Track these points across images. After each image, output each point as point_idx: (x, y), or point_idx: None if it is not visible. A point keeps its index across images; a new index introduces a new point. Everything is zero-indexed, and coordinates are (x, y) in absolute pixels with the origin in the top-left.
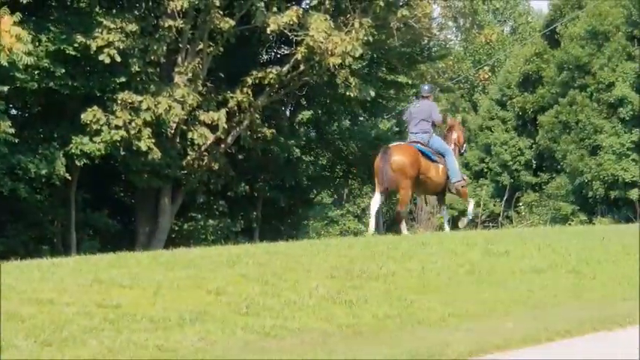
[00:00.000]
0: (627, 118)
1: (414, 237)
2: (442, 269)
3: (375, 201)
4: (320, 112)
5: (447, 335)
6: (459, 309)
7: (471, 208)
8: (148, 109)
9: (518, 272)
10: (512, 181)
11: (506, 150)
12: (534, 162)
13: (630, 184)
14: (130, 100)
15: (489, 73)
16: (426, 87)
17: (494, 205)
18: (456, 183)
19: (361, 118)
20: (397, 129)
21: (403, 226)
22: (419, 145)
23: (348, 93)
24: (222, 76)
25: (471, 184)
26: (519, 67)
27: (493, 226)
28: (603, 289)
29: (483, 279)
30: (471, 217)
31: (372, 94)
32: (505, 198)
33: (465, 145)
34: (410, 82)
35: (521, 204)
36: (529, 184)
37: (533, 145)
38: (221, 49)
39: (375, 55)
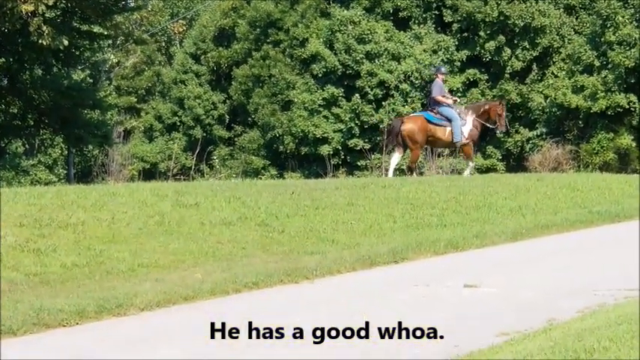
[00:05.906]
0: (320, 75)
1: (104, 187)
2: (132, 219)
3: (394, 159)
4: (12, 60)
5: (136, 285)
6: (148, 259)
7: (468, 168)
8: None
9: (208, 224)
10: (205, 134)
11: (199, 104)
12: (227, 116)
13: (321, 140)
14: None
15: (186, 27)
16: (442, 68)
17: (187, 159)
18: (456, 142)
19: (54, 68)
20: (91, 80)
21: (414, 175)
22: (427, 112)
23: (40, 41)
24: None
25: (163, 136)
26: (215, 21)
27: (184, 179)
28: (291, 242)
29: (173, 230)
30: (469, 174)
31: (66, 43)
32: (197, 151)
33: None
34: (105, 32)
35: (214, 157)
36: (222, 139)
37: (227, 100)
38: None
39: (69, 4)
